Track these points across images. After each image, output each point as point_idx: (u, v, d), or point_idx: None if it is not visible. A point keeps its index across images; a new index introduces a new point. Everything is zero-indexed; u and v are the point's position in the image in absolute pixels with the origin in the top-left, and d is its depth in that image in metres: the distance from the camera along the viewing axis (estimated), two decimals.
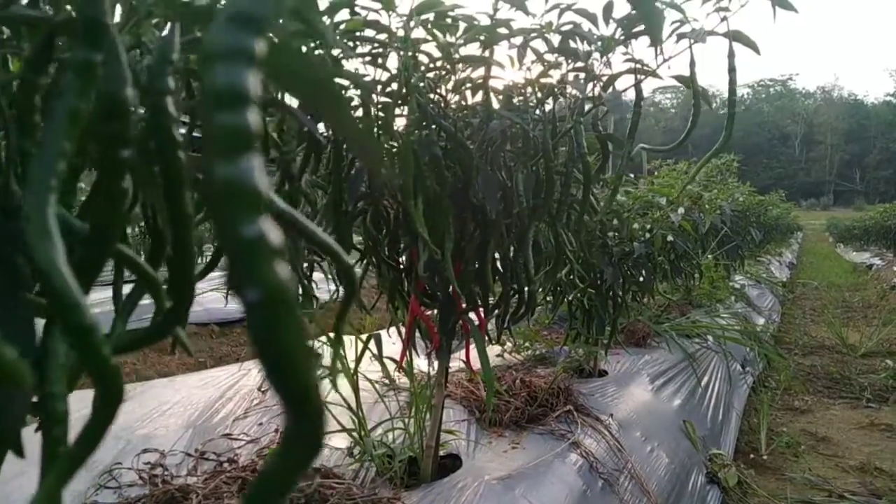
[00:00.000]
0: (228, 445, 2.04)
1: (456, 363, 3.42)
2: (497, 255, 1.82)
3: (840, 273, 15.28)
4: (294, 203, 1.42)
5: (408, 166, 1.28)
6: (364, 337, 2.04)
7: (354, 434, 1.87)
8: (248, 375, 2.76)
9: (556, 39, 1.51)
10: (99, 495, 1.69)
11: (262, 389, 2.66)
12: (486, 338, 1.98)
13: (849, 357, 6.48)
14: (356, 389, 1.91)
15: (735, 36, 1.47)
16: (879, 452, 4.00)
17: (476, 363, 1.96)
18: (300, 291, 2.73)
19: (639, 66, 1.60)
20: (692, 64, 1.48)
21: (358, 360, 1.90)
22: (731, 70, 1.46)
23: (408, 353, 2.03)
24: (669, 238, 2.92)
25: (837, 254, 21.73)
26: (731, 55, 1.44)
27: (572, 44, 1.56)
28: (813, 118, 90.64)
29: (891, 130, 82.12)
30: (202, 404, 2.35)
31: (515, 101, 1.51)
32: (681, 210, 2.88)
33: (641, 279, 3.16)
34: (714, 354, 4.44)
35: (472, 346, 2.02)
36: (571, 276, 2.85)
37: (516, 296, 1.79)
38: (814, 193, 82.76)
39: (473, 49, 1.50)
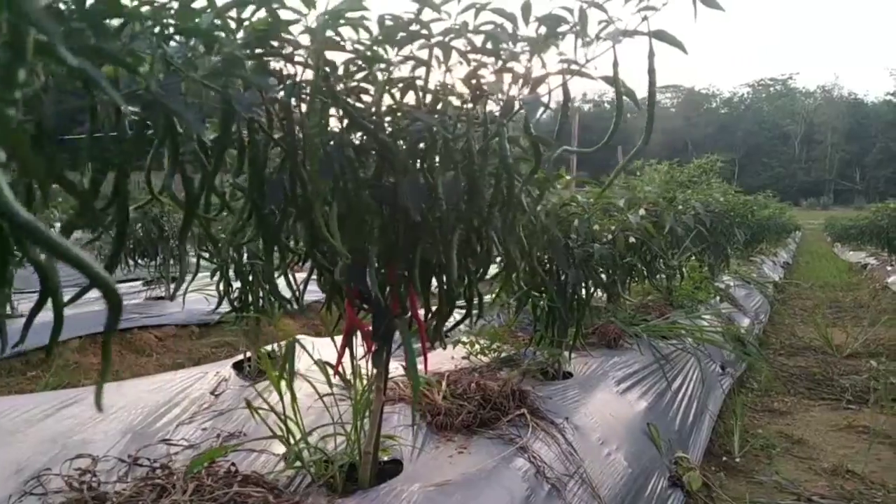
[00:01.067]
0: (166, 451, 2.02)
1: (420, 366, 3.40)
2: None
3: (835, 273, 15.25)
4: (193, 204, 1.39)
5: (313, 169, 1.25)
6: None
7: (284, 440, 1.83)
8: (203, 379, 2.73)
9: (480, 40, 1.48)
10: (23, 502, 1.66)
11: (215, 393, 2.63)
12: (430, 343, 1.95)
13: (833, 358, 6.45)
14: (285, 394, 1.88)
15: (658, 35, 1.44)
16: (854, 455, 3.98)
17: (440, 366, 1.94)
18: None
19: (573, 66, 1.58)
20: (615, 64, 1.45)
21: (282, 366, 1.86)
22: (651, 71, 1.43)
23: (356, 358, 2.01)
24: (632, 239, 2.90)
25: (834, 254, 21.69)
26: (651, 55, 1.41)
27: (504, 45, 1.54)
28: (813, 117, 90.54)
29: (891, 129, 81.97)
30: (147, 409, 2.32)
31: (441, 104, 1.48)
32: (641, 211, 2.85)
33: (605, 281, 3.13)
34: (690, 356, 4.41)
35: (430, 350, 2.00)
36: (527, 279, 2.83)
37: (453, 301, 1.77)
38: (813, 193, 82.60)
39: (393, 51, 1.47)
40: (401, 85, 1.46)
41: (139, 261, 6.33)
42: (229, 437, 2.16)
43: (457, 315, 2.05)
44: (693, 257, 6.08)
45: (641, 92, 1.53)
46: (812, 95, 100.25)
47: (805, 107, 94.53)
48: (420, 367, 2.37)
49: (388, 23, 1.44)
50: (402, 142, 1.54)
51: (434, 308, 1.88)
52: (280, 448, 2.00)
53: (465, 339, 3.47)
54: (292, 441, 1.82)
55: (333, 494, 1.85)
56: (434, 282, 1.84)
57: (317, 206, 1.27)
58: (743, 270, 9.24)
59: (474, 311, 2.06)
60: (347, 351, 1.89)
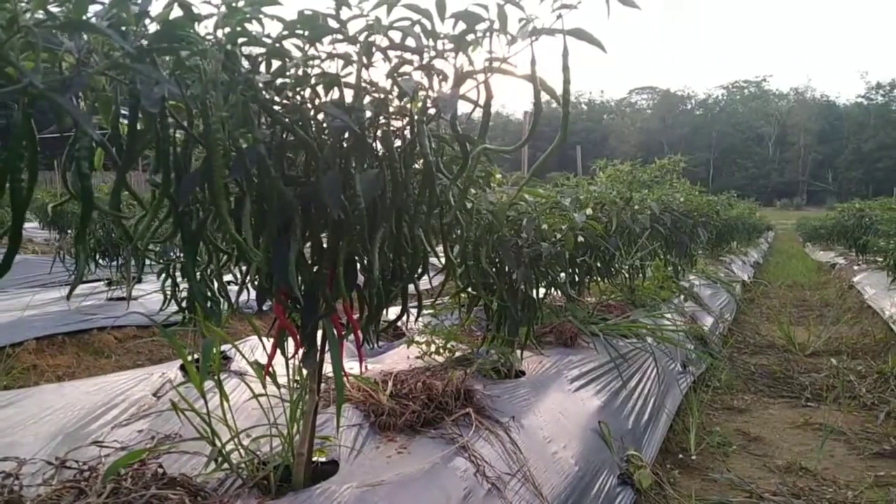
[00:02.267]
0: (98, 453, 1.98)
1: (377, 366, 3.38)
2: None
3: (804, 272, 15.44)
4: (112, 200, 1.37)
5: (215, 164, 1.23)
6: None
7: (210, 442, 1.81)
8: (147, 380, 2.69)
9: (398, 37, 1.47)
10: None
11: (157, 395, 2.60)
12: (363, 342, 1.94)
13: (795, 356, 6.53)
14: (209, 396, 1.85)
15: (577, 34, 1.44)
16: (808, 452, 4.02)
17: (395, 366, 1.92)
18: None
19: (495, 63, 1.57)
20: (533, 62, 1.45)
21: (202, 367, 1.84)
22: (565, 69, 1.42)
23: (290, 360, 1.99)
24: (581, 238, 2.90)
25: (805, 253, 21.96)
26: (566, 54, 1.41)
27: (427, 42, 1.53)
28: (786, 119, 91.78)
29: (862, 131, 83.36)
30: (84, 410, 2.28)
31: (355, 100, 1.47)
32: (588, 211, 2.86)
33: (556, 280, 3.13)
34: (649, 355, 4.43)
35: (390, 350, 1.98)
36: (477, 278, 2.83)
37: (380, 300, 1.75)
38: (787, 193, 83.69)
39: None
40: (313, 81, 1.44)
41: (100, 261, 6.25)
42: (165, 439, 2.13)
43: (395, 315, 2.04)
44: (657, 257, 6.13)
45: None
46: (785, 97, 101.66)
47: (778, 108, 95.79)
48: (356, 367, 2.36)
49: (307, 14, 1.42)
50: (325, 138, 1.53)
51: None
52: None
53: (419, 338, 3.46)
54: (218, 443, 1.80)
55: (264, 496, 1.83)
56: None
57: (220, 203, 1.25)
58: (710, 270, 9.32)
59: (412, 310, 2.06)
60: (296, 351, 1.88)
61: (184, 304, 3.00)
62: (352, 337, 1.92)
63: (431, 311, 3.41)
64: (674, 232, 6.13)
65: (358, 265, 1.72)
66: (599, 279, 4.87)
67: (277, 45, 1.34)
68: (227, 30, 1.27)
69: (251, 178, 1.37)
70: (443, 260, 2.14)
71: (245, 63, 1.48)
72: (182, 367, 3.01)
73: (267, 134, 1.51)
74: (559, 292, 3.81)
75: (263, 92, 1.43)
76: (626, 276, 5.61)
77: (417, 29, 1.44)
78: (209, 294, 2.85)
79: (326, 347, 1.91)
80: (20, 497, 1.52)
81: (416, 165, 1.74)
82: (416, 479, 2.00)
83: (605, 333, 4.32)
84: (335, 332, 1.69)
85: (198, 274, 2.98)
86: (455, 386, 2.53)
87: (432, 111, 1.60)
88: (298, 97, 1.56)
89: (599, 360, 3.85)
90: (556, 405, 3.02)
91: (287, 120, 1.45)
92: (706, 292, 7.77)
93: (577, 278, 4.46)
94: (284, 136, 1.50)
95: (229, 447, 1.87)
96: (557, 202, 2.88)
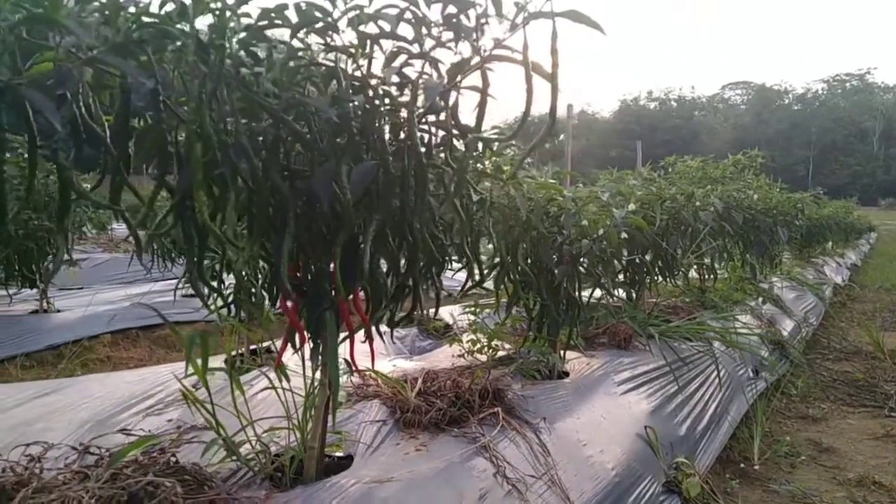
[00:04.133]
0: (122, 440, 2.04)
1: (420, 363, 3.37)
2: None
3: None
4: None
5: (192, 157, 1.24)
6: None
7: (216, 432, 1.83)
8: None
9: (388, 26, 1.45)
10: None
11: (195, 386, 2.66)
12: (366, 338, 1.92)
13: (884, 364, 6.11)
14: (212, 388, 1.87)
15: (574, 16, 1.38)
16: (885, 465, 3.75)
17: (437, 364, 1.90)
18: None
19: (496, 50, 1.52)
20: (525, 47, 1.39)
21: (203, 358, 1.87)
22: (553, 52, 1.36)
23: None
24: (624, 235, 2.79)
25: None
26: (554, 36, 1.34)
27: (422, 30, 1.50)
28: (892, 113, 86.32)
29: None
30: (121, 399, 2.37)
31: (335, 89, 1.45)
32: (631, 206, 2.74)
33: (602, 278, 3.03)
34: (713, 359, 4.24)
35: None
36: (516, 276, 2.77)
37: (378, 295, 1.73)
38: (893, 192, 78.66)
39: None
40: (301, 70, 1.43)
41: (177, 261, 6.50)
42: (190, 429, 2.18)
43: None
44: (731, 257, 5.86)
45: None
46: (891, 90, 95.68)
47: (884, 102, 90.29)
48: (400, 363, 2.35)
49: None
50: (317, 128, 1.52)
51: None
52: (237, 438, 2.01)
53: (464, 337, 3.43)
54: (223, 433, 1.82)
55: (275, 488, 1.84)
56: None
57: (199, 196, 1.26)
58: (796, 272, 8.85)
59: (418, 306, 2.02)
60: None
61: (230, 300, 3.07)
62: (365, 332, 1.91)
63: (472, 308, 3.36)
64: (749, 231, 5.85)
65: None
66: (661, 279, 4.71)
67: (259, 30, 1.34)
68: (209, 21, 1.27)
69: (237, 171, 1.37)
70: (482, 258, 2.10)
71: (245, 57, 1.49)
72: (226, 361, 3.08)
73: (263, 127, 1.52)
74: (615, 291, 3.68)
75: (258, 84, 1.42)
76: (696, 275, 5.40)
77: (409, 16, 1.41)
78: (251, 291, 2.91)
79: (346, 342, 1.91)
80: (39, 479, 1.58)
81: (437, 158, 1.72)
82: (430, 478, 1.96)
83: (665, 335, 4.16)
84: (336, 325, 1.67)
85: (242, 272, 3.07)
86: (483, 384, 2.48)
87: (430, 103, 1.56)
88: (297, 89, 1.56)
89: (654, 364, 3.71)
90: (597, 408, 2.92)
91: (282, 113, 1.45)
92: (789, 295, 7.38)
93: (636, 277, 4.32)
94: (279, 128, 1.50)
95: (241, 438, 1.90)
96: (598, 197, 2.79)
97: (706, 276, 5.35)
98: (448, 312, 4.61)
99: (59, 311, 5.27)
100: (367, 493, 1.79)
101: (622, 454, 2.72)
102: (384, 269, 1.74)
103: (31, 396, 2.33)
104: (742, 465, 3.69)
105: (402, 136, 1.58)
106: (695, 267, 5.38)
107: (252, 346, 3.31)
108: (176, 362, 3.60)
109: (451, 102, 1.57)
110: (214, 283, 3.07)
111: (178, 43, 1.27)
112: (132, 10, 1.27)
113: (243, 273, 2.92)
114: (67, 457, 1.91)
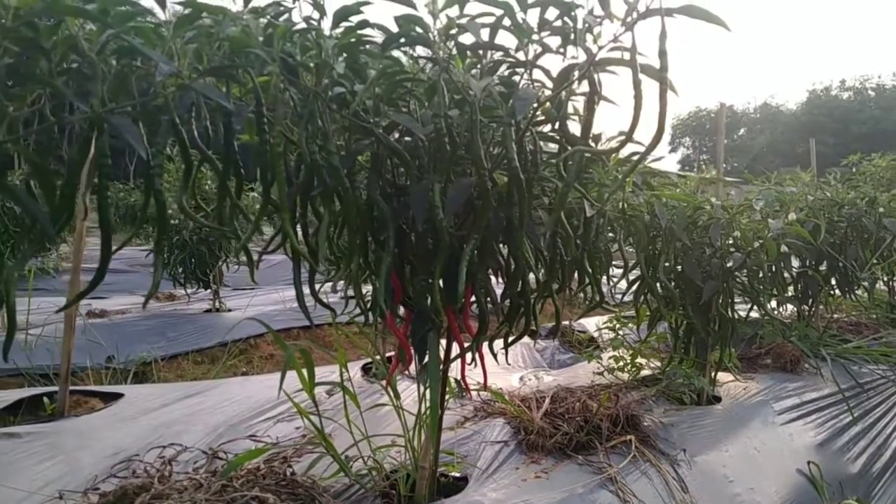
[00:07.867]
0: (249, 446, 2.11)
1: (556, 378, 3.24)
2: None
3: None
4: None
5: (278, 177, 1.23)
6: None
7: (325, 448, 1.83)
8: (329, 377, 2.83)
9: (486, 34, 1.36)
10: (107, 482, 1.84)
11: (329, 393, 2.72)
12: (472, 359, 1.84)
13: None
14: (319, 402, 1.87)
15: (691, 12, 1.21)
16: None
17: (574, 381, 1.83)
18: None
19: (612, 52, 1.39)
20: (633, 49, 1.24)
21: (310, 374, 1.86)
22: (662, 53, 1.20)
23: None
24: (784, 248, 2.49)
25: None
26: (663, 36, 1.18)
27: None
28: None
29: None
30: (256, 404, 2.46)
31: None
32: (792, 215, 2.43)
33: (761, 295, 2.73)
34: None
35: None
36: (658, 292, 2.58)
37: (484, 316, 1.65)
38: None
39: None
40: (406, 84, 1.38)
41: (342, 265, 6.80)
42: (312, 440, 2.21)
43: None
44: None
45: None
46: None
47: None
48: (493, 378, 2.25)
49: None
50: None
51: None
52: (353, 452, 2.01)
53: (604, 354, 3.26)
54: (333, 451, 1.82)
55: None
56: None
57: (284, 216, 1.25)
58: None
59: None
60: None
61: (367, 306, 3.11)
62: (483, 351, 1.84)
63: (612, 323, 3.18)
64: None
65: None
66: (841, 294, 4.21)
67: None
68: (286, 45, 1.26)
69: (333, 191, 1.35)
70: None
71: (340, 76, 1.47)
72: (364, 368, 3.13)
73: (364, 145, 1.49)
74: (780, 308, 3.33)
75: (358, 104, 1.40)
76: (884, 288, 4.79)
77: (507, 22, 1.32)
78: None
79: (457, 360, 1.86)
80: (165, 481, 1.66)
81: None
82: None
83: (841, 357, 3.72)
84: (437, 345, 1.62)
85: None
86: (616, 410, 2.32)
87: (540, 116, 1.46)
88: (403, 104, 1.53)
89: (826, 390, 3.31)
90: (750, 439, 2.64)
91: (380, 132, 1.42)
92: None
93: (808, 291, 3.90)
94: (378, 147, 1.47)
95: (355, 453, 1.89)
96: (751, 206, 2.51)
97: None
98: (594, 323, 4.42)
99: (229, 310, 5.67)
100: None
101: (775, 493, 2.43)
102: (491, 289, 1.66)
103: (176, 398, 2.49)
104: None
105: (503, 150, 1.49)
106: (884, 279, 4.78)
107: (388, 354, 3.33)
108: (322, 365, 3.72)
109: (560, 112, 1.45)
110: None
111: (269, 68, 1.26)
112: (229, 32, 1.28)
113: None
114: (197, 461, 2.01)
